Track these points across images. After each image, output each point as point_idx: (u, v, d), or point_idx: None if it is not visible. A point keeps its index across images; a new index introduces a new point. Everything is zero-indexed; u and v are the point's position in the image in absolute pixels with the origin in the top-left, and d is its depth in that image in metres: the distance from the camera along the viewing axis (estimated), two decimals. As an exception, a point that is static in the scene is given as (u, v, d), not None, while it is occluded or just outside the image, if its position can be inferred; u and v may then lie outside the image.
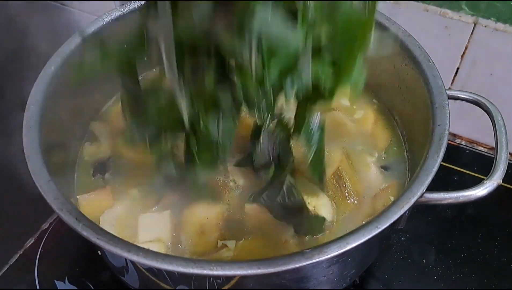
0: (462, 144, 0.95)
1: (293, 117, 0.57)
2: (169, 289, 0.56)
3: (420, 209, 0.79)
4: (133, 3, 0.76)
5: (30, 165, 0.56)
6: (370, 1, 0.47)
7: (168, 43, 0.47)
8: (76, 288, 0.74)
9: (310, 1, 0.45)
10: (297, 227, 0.60)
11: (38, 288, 0.74)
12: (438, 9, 0.81)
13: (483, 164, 0.89)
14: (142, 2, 0.76)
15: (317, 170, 0.60)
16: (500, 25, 0.78)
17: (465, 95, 0.66)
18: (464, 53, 0.84)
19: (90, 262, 0.77)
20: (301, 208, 0.57)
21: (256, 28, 0.43)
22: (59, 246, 0.80)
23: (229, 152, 0.56)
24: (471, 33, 0.81)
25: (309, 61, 0.47)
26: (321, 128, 0.57)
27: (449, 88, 0.81)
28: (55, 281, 0.75)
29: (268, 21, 0.43)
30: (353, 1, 0.47)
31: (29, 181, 0.55)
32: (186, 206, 0.64)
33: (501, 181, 0.55)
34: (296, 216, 0.58)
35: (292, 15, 0.45)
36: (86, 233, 0.50)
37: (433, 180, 0.53)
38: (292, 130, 0.58)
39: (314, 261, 0.47)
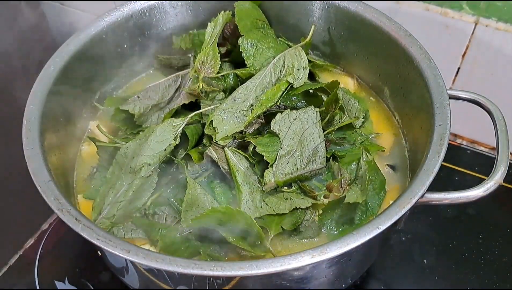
0: (463, 144, 0.95)
1: None
2: (169, 290, 0.56)
3: (421, 209, 0.79)
4: (133, 3, 0.76)
5: (30, 165, 0.56)
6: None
7: None
8: (76, 289, 0.74)
9: None
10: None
11: (38, 288, 0.74)
12: (438, 8, 0.80)
13: (484, 164, 0.89)
14: (142, 2, 0.76)
15: None
16: (501, 25, 0.78)
17: (466, 95, 0.65)
18: (465, 52, 0.84)
19: (90, 263, 0.77)
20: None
21: None
22: (59, 246, 0.80)
23: None
24: (472, 33, 0.81)
25: None
26: None
27: (450, 88, 0.80)
28: (55, 281, 0.75)
29: None
30: None
31: (29, 181, 0.55)
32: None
33: (502, 181, 0.55)
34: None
35: None
36: (86, 233, 0.50)
37: (434, 180, 0.53)
38: None
39: (314, 261, 0.47)
